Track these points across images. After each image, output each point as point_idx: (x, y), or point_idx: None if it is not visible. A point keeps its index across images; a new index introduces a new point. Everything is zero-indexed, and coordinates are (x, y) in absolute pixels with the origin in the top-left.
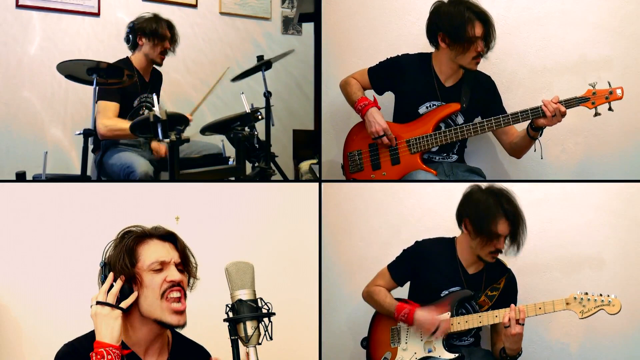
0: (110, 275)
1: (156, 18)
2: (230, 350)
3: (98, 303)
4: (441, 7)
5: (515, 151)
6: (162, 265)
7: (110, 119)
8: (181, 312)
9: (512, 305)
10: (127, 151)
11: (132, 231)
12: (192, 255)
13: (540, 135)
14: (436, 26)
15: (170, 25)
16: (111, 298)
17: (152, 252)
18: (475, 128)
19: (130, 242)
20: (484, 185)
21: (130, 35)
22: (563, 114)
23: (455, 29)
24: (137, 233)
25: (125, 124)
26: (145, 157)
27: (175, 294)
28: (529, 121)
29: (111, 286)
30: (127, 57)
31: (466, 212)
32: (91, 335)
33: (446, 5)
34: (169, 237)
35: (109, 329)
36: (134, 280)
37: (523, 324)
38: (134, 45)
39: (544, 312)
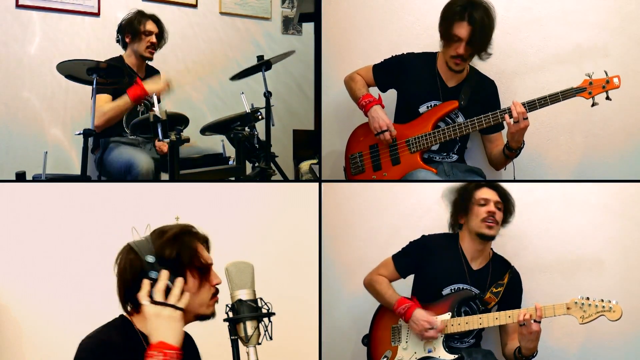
0: (165, 274)
1: (140, 14)
2: (230, 350)
3: (159, 303)
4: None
5: (493, 162)
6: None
7: (98, 108)
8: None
9: (536, 304)
10: (127, 147)
11: (192, 231)
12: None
13: (516, 156)
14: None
15: (155, 20)
16: (173, 299)
17: (206, 255)
18: (472, 124)
19: (192, 242)
20: None
21: (119, 35)
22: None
23: (443, 20)
24: (196, 234)
25: (109, 105)
26: (145, 152)
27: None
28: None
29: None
30: (121, 55)
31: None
32: (114, 325)
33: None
34: (205, 242)
35: (174, 331)
36: (202, 280)
37: (540, 322)
38: (124, 44)
39: (544, 316)
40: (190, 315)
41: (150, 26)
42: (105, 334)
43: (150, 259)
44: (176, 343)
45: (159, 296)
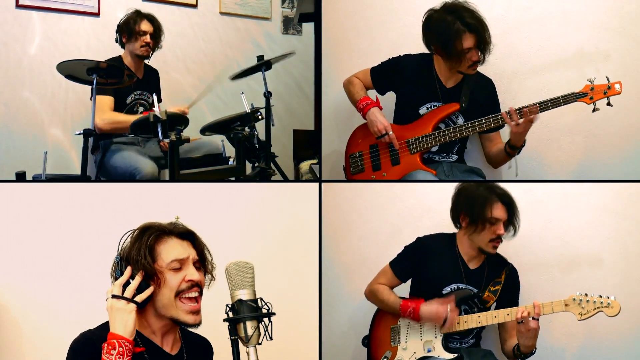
0: (128, 270)
1: (136, 14)
2: (230, 350)
3: (114, 296)
4: (431, 18)
5: (492, 161)
6: (181, 264)
7: (107, 112)
8: (197, 312)
9: (535, 301)
10: (128, 151)
11: (151, 227)
12: (210, 254)
13: (518, 154)
14: (428, 37)
15: (150, 19)
16: (128, 292)
17: (171, 251)
18: (473, 126)
19: (151, 240)
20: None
21: (117, 35)
22: (531, 121)
23: (445, 43)
24: (156, 230)
25: (123, 117)
26: (146, 155)
27: (193, 294)
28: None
29: (128, 281)
30: (119, 55)
31: (460, 206)
32: (105, 326)
33: (436, 15)
34: (188, 235)
35: (123, 322)
36: (153, 278)
37: (538, 319)
38: (122, 45)
39: (543, 314)
40: (165, 318)
41: (144, 26)
42: (93, 332)
43: (116, 258)
44: (126, 334)
45: (116, 290)
